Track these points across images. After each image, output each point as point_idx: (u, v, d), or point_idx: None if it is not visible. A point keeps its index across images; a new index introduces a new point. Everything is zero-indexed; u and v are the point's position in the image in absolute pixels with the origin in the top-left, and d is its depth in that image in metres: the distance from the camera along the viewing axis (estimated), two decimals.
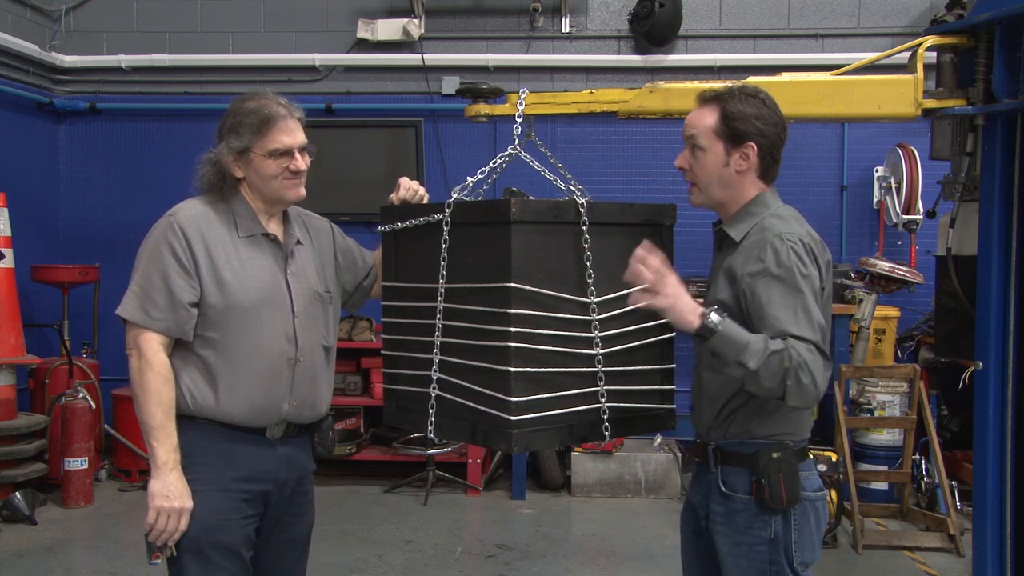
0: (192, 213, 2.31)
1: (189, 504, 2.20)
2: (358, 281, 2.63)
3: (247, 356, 2.27)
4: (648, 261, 2.02)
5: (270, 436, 2.33)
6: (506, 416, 2.10)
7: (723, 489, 2.17)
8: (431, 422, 2.32)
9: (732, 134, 2.15)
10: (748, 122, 2.14)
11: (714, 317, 1.99)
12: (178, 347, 2.27)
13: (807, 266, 2.05)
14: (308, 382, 2.39)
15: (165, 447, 2.20)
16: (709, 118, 2.18)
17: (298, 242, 2.43)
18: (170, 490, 2.18)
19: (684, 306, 2.02)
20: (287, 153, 2.31)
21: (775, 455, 2.10)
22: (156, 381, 2.21)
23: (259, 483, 2.30)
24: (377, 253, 2.65)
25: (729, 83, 2.29)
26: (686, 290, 2.06)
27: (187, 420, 2.26)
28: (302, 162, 2.34)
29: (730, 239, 2.20)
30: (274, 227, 2.39)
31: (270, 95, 2.35)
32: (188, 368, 2.27)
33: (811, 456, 2.26)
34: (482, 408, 2.17)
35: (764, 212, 2.18)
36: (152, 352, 2.22)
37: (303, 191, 2.37)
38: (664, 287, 2.02)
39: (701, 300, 2.14)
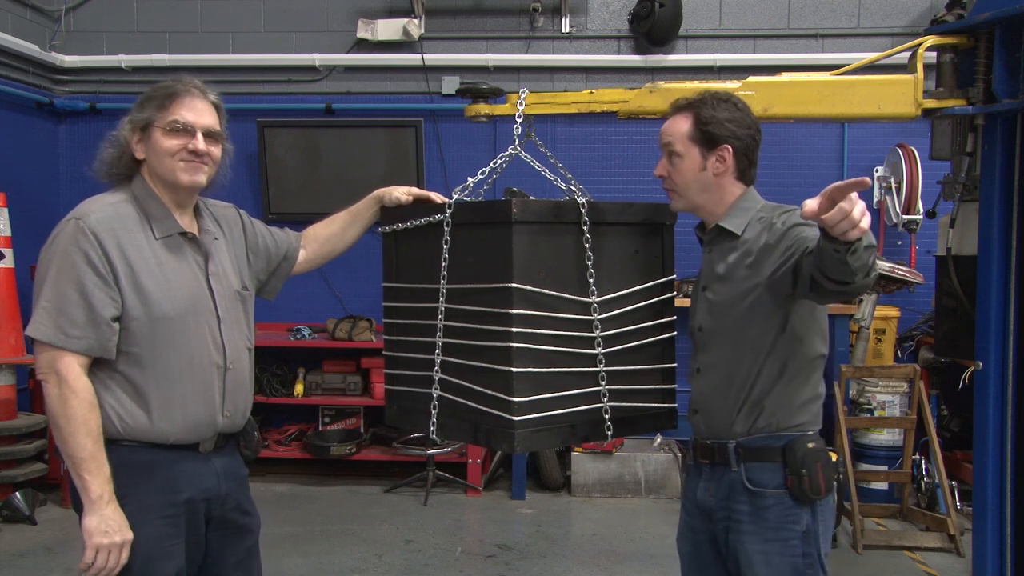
0: (103, 215, 2.07)
1: (130, 536, 2.04)
2: (271, 269, 2.46)
3: (178, 370, 2.10)
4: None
5: (203, 450, 2.18)
6: (508, 416, 2.10)
7: (749, 487, 2.16)
8: (433, 423, 2.32)
9: (706, 138, 2.21)
10: (721, 125, 2.20)
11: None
12: (96, 366, 2.06)
13: None
14: (238, 389, 2.24)
15: (98, 479, 2.01)
16: (684, 125, 2.24)
17: (214, 238, 2.27)
18: (108, 524, 2.02)
19: (863, 218, 1.73)
20: (187, 131, 2.12)
21: (811, 445, 2.13)
22: (82, 408, 2.00)
23: (200, 502, 2.17)
24: (310, 230, 2.55)
25: (708, 86, 2.35)
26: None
27: (113, 445, 2.06)
28: (202, 143, 2.13)
29: (728, 233, 2.24)
30: (188, 223, 2.21)
31: (185, 78, 2.19)
32: (111, 389, 2.07)
33: None
34: (484, 408, 2.17)
35: (756, 206, 2.25)
36: (74, 376, 2.00)
37: (201, 178, 2.16)
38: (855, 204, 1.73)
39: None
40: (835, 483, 2.19)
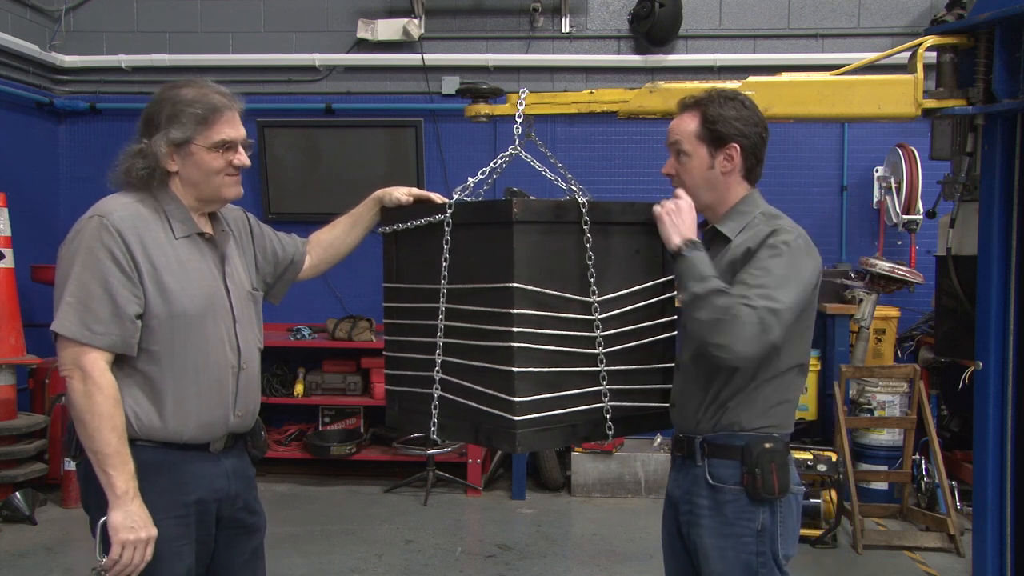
0: (125, 213, 2.08)
1: (154, 532, 2.04)
2: (278, 274, 2.47)
3: (194, 369, 2.11)
4: (680, 194, 2.23)
5: (214, 450, 2.19)
6: (510, 416, 2.10)
7: (710, 481, 2.20)
8: (434, 423, 2.32)
9: (714, 137, 2.22)
10: (729, 124, 2.21)
11: (692, 245, 2.14)
12: (115, 364, 2.06)
13: (808, 256, 2.14)
14: (250, 389, 2.25)
15: (124, 475, 2.01)
16: (691, 123, 2.25)
17: (228, 240, 2.29)
18: (134, 520, 2.01)
19: (672, 227, 2.17)
20: (231, 147, 2.15)
21: (768, 446, 2.15)
22: (108, 404, 2.00)
23: (211, 502, 2.18)
24: (313, 236, 2.55)
25: (708, 86, 2.37)
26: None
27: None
28: (245, 157, 2.18)
29: (723, 237, 2.26)
30: (205, 225, 2.22)
31: (209, 83, 2.19)
32: (129, 387, 2.07)
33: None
34: (485, 408, 2.17)
35: (755, 211, 2.25)
36: (99, 372, 2.01)
37: (241, 190, 2.22)
38: (666, 208, 2.19)
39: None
40: (798, 486, 2.21)
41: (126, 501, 2.01)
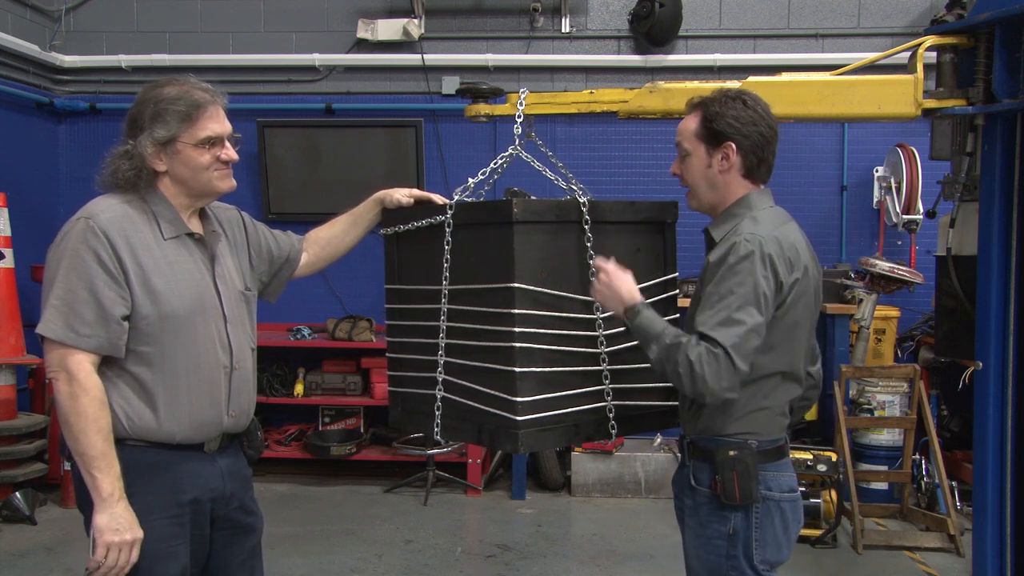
0: (112, 215, 2.08)
1: (140, 534, 2.04)
2: (273, 272, 2.47)
3: (185, 369, 2.11)
4: (603, 265, 2.22)
5: (208, 450, 2.19)
6: (512, 416, 2.10)
7: (692, 483, 2.24)
8: (437, 424, 2.32)
9: (711, 135, 2.23)
10: (725, 122, 2.21)
11: (638, 308, 2.16)
12: (104, 365, 2.07)
13: (756, 272, 2.08)
14: (243, 389, 2.25)
15: (109, 477, 2.01)
16: (693, 122, 2.27)
17: (219, 240, 2.28)
18: (119, 522, 2.02)
19: (609, 299, 2.19)
20: (218, 142, 2.15)
21: (732, 453, 2.16)
22: (93, 406, 2.01)
23: (205, 502, 2.18)
24: (312, 233, 2.55)
25: (709, 86, 2.37)
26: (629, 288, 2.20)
27: (118, 444, 2.06)
28: (233, 151, 2.19)
29: (712, 239, 2.26)
30: (195, 225, 2.22)
31: (191, 80, 2.18)
32: (119, 388, 2.08)
33: (788, 457, 2.28)
34: (488, 409, 2.18)
35: (746, 213, 2.22)
36: (85, 374, 2.01)
37: (234, 182, 2.22)
38: (600, 281, 2.20)
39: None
40: (787, 492, 2.20)
41: (111, 503, 2.02)
